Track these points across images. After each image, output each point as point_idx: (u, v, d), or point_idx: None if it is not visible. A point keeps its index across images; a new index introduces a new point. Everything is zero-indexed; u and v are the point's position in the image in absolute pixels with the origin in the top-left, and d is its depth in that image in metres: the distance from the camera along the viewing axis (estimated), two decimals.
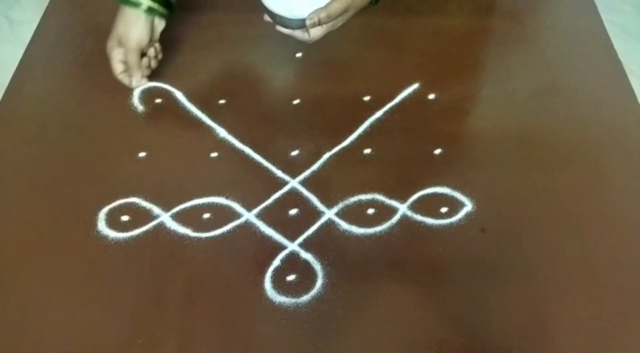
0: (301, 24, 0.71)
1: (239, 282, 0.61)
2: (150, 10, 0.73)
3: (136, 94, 0.78)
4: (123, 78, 0.76)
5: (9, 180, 0.70)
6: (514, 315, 0.58)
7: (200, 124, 0.75)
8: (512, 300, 0.59)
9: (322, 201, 0.67)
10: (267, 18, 0.75)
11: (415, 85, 0.78)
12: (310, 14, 0.68)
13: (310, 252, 0.63)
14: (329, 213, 0.66)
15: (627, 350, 0.57)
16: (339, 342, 0.57)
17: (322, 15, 0.68)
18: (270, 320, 0.58)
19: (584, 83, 0.79)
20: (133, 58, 0.74)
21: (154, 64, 0.78)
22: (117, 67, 0.75)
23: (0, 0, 0.93)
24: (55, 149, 0.72)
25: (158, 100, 0.77)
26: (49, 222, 0.66)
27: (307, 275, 0.61)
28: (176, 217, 0.66)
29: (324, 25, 0.70)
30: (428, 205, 0.66)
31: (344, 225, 0.65)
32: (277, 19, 0.71)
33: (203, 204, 0.67)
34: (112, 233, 0.64)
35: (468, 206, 0.66)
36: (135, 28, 0.73)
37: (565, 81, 0.79)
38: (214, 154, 0.72)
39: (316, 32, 0.72)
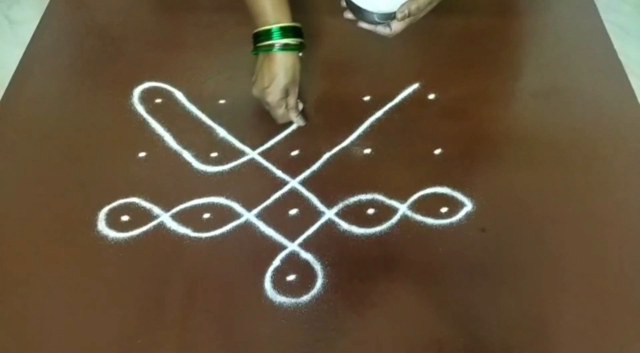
0: (383, 19, 0.71)
1: (239, 282, 0.61)
2: (301, 46, 0.70)
3: (136, 94, 0.78)
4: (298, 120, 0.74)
5: (9, 180, 0.70)
6: (514, 315, 0.58)
7: (200, 124, 0.75)
8: (512, 299, 0.59)
9: (322, 201, 0.67)
10: (348, 15, 0.74)
11: (415, 85, 0.78)
12: (400, 7, 0.68)
13: (310, 252, 0.63)
14: (329, 213, 0.66)
15: (627, 350, 0.57)
16: (339, 342, 0.57)
17: (413, 7, 0.67)
18: (270, 320, 0.58)
19: (584, 83, 0.79)
20: (296, 98, 0.72)
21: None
22: (288, 114, 0.72)
23: (0, 0, 0.93)
24: (55, 149, 0.72)
25: (158, 100, 0.77)
26: (49, 222, 0.66)
27: (307, 275, 0.61)
28: (176, 217, 0.66)
29: (407, 19, 0.69)
30: (428, 205, 0.66)
31: (344, 225, 0.65)
32: (361, 14, 0.72)
33: (203, 204, 0.67)
34: (112, 233, 0.64)
35: (468, 206, 0.66)
36: (296, 68, 0.70)
37: (565, 81, 0.79)
38: (213, 154, 0.72)
39: (398, 26, 0.71)
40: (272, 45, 0.68)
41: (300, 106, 0.74)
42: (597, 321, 0.58)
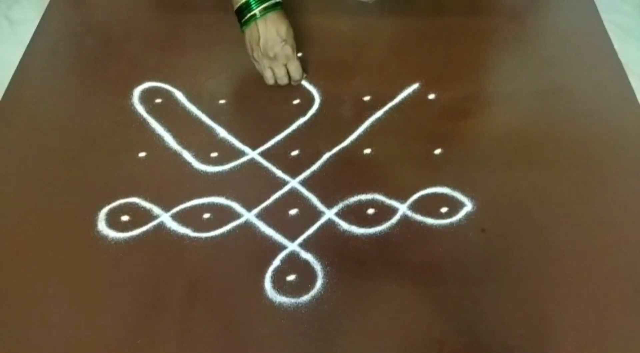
0: None
1: (239, 282, 0.61)
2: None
3: (136, 94, 0.78)
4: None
5: (9, 180, 0.70)
6: (514, 315, 0.58)
7: (200, 124, 0.75)
8: (512, 299, 0.59)
9: (322, 201, 0.67)
10: None
11: (415, 85, 0.78)
12: None
13: (310, 252, 0.63)
14: (329, 214, 0.66)
15: (627, 350, 0.56)
16: (339, 342, 0.57)
17: None
18: (270, 320, 0.58)
19: (584, 83, 0.79)
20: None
21: None
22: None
23: (0, 0, 0.93)
24: (55, 149, 0.72)
25: (158, 100, 0.77)
26: (49, 222, 0.66)
27: (307, 275, 0.61)
28: (176, 217, 0.66)
29: None
30: (428, 205, 0.66)
31: (344, 225, 0.65)
32: None
33: (203, 204, 0.67)
34: (112, 233, 0.64)
35: (468, 206, 0.66)
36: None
37: (565, 81, 0.79)
38: (213, 154, 0.72)
39: None
40: (254, 16, 0.73)
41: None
42: (597, 321, 0.58)
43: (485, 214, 0.65)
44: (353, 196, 0.67)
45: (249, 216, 0.66)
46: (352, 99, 0.77)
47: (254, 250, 0.63)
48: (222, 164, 0.71)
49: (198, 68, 0.82)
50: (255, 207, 0.67)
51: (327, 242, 0.64)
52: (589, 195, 0.67)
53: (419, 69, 0.80)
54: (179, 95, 0.78)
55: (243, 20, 0.74)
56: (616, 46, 0.83)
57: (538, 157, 0.71)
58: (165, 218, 0.66)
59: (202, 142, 0.73)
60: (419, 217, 0.65)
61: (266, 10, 0.72)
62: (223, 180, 0.69)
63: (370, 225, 0.65)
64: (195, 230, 0.65)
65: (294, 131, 0.74)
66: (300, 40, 0.78)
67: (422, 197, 0.67)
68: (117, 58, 0.83)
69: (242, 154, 0.72)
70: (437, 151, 0.71)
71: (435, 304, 0.59)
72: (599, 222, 0.65)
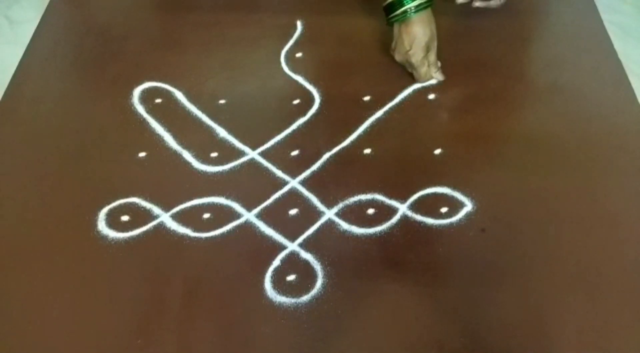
0: None
1: (239, 282, 0.61)
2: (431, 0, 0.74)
3: (136, 94, 0.78)
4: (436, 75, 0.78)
5: (9, 180, 0.70)
6: (514, 315, 0.58)
7: (200, 124, 0.75)
8: (512, 300, 0.59)
9: (322, 201, 0.67)
10: (461, 0, 0.79)
11: (415, 85, 0.78)
12: None
13: (310, 252, 0.63)
14: (329, 214, 0.66)
15: (627, 350, 0.56)
16: (339, 342, 0.57)
17: None
18: (270, 320, 0.58)
19: (584, 83, 0.79)
20: (435, 53, 0.77)
21: None
22: (430, 71, 0.78)
23: (0, 0, 0.93)
24: (55, 149, 0.73)
25: (158, 100, 0.77)
26: (49, 222, 0.66)
27: (307, 275, 0.61)
28: (176, 217, 0.66)
29: None
30: (428, 205, 0.66)
31: (344, 225, 0.65)
32: None
33: (203, 204, 0.67)
34: (112, 233, 0.64)
35: (468, 206, 0.66)
36: (432, 23, 0.75)
37: (565, 81, 0.79)
38: (213, 154, 0.72)
39: None
40: (406, 12, 0.72)
41: (439, 63, 0.78)
42: (598, 321, 0.58)
43: (485, 214, 0.65)
44: (353, 196, 0.67)
45: (249, 216, 0.66)
46: (352, 99, 0.77)
47: (254, 250, 0.63)
48: (222, 164, 0.71)
49: (198, 68, 0.82)
50: (255, 207, 0.67)
51: (327, 242, 0.64)
52: (589, 195, 0.67)
53: None
54: (179, 95, 0.78)
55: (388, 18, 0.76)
56: (616, 46, 0.83)
57: (538, 157, 0.71)
58: (165, 218, 0.66)
59: (202, 142, 0.73)
60: (419, 217, 0.65)
61: (404, 14, 0.72)
62: (223, 180, 0.69)
63: (370, 225, 0.65)
64: (195, 230, 0.65)
65: (294, 131, 0.74)
66: (301, 40, 0.78)
67: (422, 197, 0.67)
68: (117, 58, 0.83)
69: (242, 154, 0.72)
70: (437, 151, 0.71)
71: (436, 304, 0.59)
72: (598, 221, 0.65)
